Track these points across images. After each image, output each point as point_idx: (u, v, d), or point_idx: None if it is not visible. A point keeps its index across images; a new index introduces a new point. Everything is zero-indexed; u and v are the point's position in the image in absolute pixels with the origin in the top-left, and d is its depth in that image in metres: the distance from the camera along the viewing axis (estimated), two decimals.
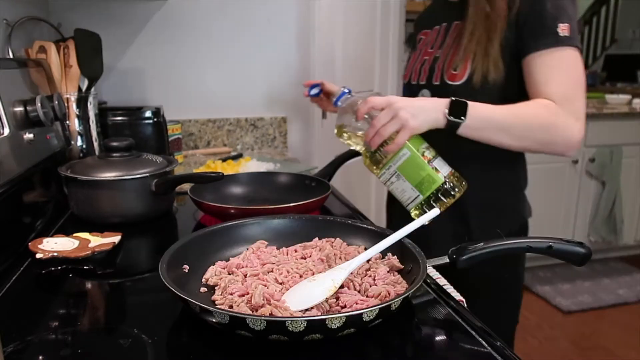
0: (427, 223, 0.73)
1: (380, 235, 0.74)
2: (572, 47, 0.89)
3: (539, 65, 0.90)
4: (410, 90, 1.13)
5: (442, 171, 0.88)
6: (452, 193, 0.87)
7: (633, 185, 3.07)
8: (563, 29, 0.88)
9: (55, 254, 0.81)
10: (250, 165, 1.46)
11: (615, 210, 3.01)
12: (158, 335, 0.59)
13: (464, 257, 0.67)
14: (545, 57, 0.89)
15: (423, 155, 0.88)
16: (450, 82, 0.99)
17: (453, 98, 0.87)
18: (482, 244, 0.68)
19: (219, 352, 0.57)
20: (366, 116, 0.89)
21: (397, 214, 1.22)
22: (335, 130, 0.95)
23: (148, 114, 1.49)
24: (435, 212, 0.75)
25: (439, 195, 0.88)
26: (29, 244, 0.84)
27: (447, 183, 0.87)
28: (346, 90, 0.95)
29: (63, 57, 1.25)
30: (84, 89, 1.29)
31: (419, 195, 0.88)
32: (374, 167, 0.92)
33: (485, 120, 0.87)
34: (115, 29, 1.72)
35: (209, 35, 1.81)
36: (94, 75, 1.32)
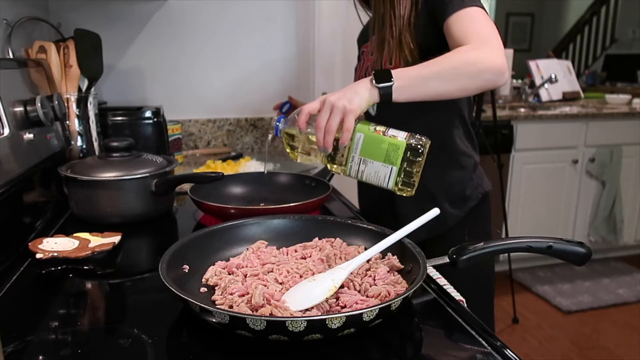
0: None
1: (380, 235, 0.74)
2: (476, 6, 0.98)
3: (453, 27, 0.98)
4: None
5: (400, 136, 0.88)
6: (420, 149, 0.87)
7: (633, 185, 3.07)
8: None
9: (55, 254, 0.81)
10: (250, 165, 1.46)
11: (615, 210, 3.01)
12: (158, 335, 0.59)
13: (464, 257, 0.67)
14: (456, 18, 0.98)
15: (376, 130, 0.88)
16: None
17: (374, 70, 0.91)
18: (482, 244, 0.68)
19: (219, 352, 0.57)
20: (309, 130, 0.90)
21: (368, 201, 1.28)
22: (290, 155, 0.95)
23: (148, 114, 1.49)
24: (435, 211, 0.75)
25: (409, 157, 0.87)
26: (29, 244, 0.84)
27: (411, 142, 0.87)
28: (280, 118, 0.95)
29: (63, 57, 1.25)
30: (84, 89, 1.29)
31: (392, 167, 0.88)
32: (340, 168, 0.92)
33: (412, 76, 0.91)
34: (115, 29, 1.72)
35: (209, 35, 1.81)
36: (94, 75, 1.32)
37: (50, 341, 0.59)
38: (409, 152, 0.87)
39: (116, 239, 0.88)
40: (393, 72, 0.89)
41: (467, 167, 1.15)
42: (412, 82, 0.90)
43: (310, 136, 0.90)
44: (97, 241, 0.87)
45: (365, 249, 0.74)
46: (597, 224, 3.04)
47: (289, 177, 1.19)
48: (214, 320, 0.55)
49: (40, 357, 0.57)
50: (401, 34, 1.05)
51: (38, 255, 0.81)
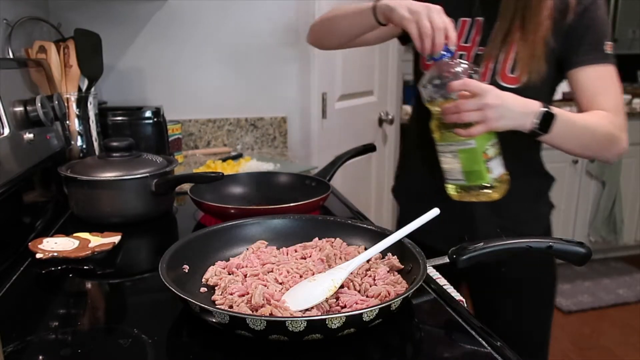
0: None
1: (380, 235, 0.74)
2: (613, 65, 0.99)
3: (590, 78, 0.97)
4: None
5: (494, 172, 0.91)
6: (492, 193, 0.92)
7: (633, 185, 3.07)
8: (608, 47, 0.97)
9: (55, 254, 0.81)
10: (250, 165, 1.46)
11: (615, 210, 3.01)
12: (158, 335, 0.59)
13: (464, 257, 0.67)
14: (595, 71, 0.97)
15: (485, 152, 0.90)
16: (504, 84, 0.99)
17: (545, 109, 0.89)
18: (482, 243, 0.68)
19: (219, 352, 0.57)
20: (452, 96, 0.89)
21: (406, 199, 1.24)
22: (422, 80, 0.93)
23: (148, 114, 1.49)
24: (435, 211, 0.75)
25: (481, 189, 0.92)
26: (29, 244, 0.84)
27: (491, 184, 0.91)
28: (448, 54, 0.89)
29: (63, 57, 1.25)
30: (84, 89, 1.29)
31: (463, 180, 0.92)
32: (437, 132, 0.93)
33: (564, 134, 0.92)
34: (115, 29, 1.72)
35: (209, 35, 1.81)
36: (94, 75, 1.32)
37: (50, 341, 0.59)
38: (483, 188, 0.91)
39: (116, 239, 0.88)
40: (555, 121, 0.88)
41: (548, 181, 1.13)
42: (560, 136, 0.91)
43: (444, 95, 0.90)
44: (97, 241, 0.87)
45: (365, 249, 0.74)
46: (597, 224, 3.04)
47: (289, 177, 1.19)
48: (214, 320, 0.55)
49: (40, 357, 0.57)
50: (535, 46, 0.96)
51: (38, 255, 0.81)
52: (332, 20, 1.14)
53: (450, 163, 0.93)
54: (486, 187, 0.91)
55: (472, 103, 0.85)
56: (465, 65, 0.90)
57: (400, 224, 1.19)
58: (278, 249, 0.78)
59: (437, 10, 0.88)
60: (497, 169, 0.92)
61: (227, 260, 0.75)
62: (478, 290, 1.17)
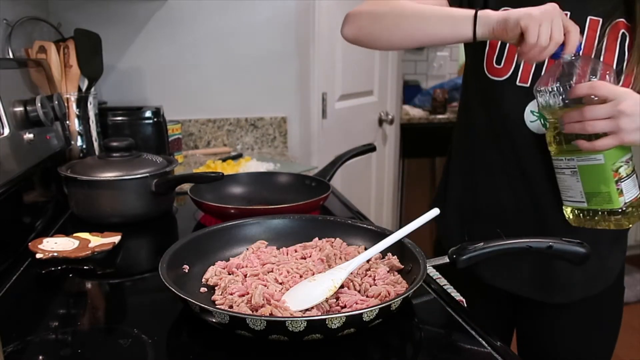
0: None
1: (380, 235, 0.74)
2: None
3: None
4: (513, 93, 0.87)
5: (626, 195, 0.77)
6: (622, 220, 0.78)
7: None
8: None
9: (55, 254, 0.81)
10: (250, 165, 1.46)
11: None
12: (158, 335, 0.59)
13: (464, 257, 0.67)
14: None
15: (616, 170, 0.75)
16: None
17: None
18: (482, 243, 0.68)
19: (219, 352, 0.57)
20: (568, 101, 0.76)
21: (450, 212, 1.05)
22: (538, 83, 0.80)
23: (148, 114, 1.49)
24: (435, 212, 0.75)
25: (606, 214, 0.78)
26: (29, 244, 0.84)
27: (622, 210, 0.77)
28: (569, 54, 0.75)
29: (63, 57, 1.26)
30: (84, 89, 1.29)
31: (584, 202, 0.78)
32: (554, 144, 0.80)
33: None
34: (115, 29, 1.72)
35: (209, 35, 1.81)
36: (94, 75, 1.32)
37: (50, 341, 0.59)
38: (610, 212, 0.77)
39: (116, 239, 0.88)
40: None
41: None
42: None
43: (560, 100, 0.76)
44: (97, 241, 0.87)
45: (365, 249, 0.74)
46: None
47: (289, 177, 1.19)
48: (214, 320, 0.55)
49: (40, 357, 0.57)
50: None
51: (38, 255, 0.81)
52: (398, 18, 0.86)
53: (567, 180, 0.79)
54: (614, 213, 0.77)
55: (602, 110, 0.71)
56: (597, 65, 0.76)
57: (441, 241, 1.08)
58: (278, 249, 0.79)
59: (562, 14, 0.73)
60: (631, 190, 0.77)
61: (227, 260, 0.75)
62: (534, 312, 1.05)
